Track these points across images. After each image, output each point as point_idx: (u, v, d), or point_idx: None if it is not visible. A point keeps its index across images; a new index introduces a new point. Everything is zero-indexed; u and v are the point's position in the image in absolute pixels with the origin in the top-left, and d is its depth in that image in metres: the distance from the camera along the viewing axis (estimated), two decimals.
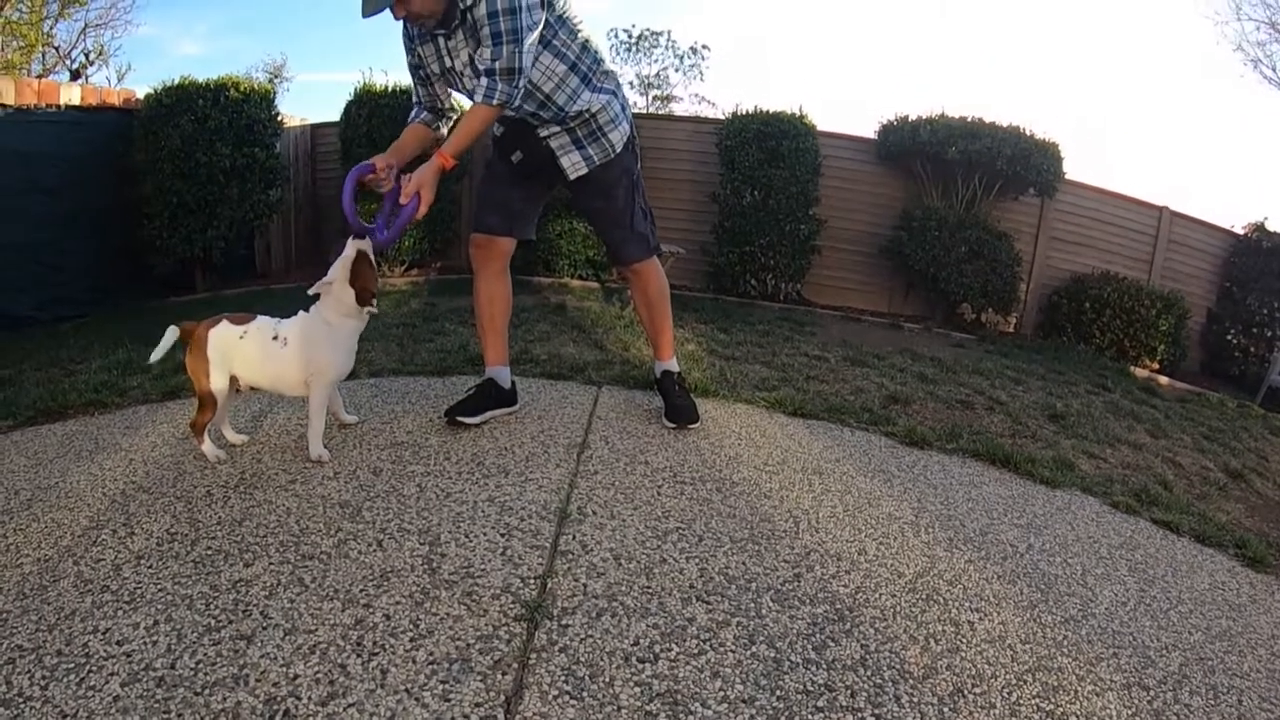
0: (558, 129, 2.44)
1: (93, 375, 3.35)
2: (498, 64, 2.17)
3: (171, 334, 2.16)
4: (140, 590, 1.59)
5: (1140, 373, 6.19)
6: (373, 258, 2.25)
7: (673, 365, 2.79)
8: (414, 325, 4.40)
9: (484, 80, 2.19)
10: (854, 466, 2.56)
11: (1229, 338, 7.42)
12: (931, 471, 2.63)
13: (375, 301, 2.24)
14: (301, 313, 2.26)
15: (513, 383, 2.70)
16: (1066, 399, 4.37)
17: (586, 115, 2.43)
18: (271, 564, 1.66)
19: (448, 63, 2.32)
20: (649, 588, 1.64)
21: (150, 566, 1.68)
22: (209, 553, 1.72)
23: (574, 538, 1.83)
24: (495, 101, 2.21)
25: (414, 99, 2.51)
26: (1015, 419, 3.64)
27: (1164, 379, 6.24)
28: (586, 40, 2.40)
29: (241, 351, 2.18)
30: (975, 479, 2.64)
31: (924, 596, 1.77)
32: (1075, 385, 4.91)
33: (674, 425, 2.68)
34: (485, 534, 1.81)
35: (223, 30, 34.34)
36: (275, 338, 2.20)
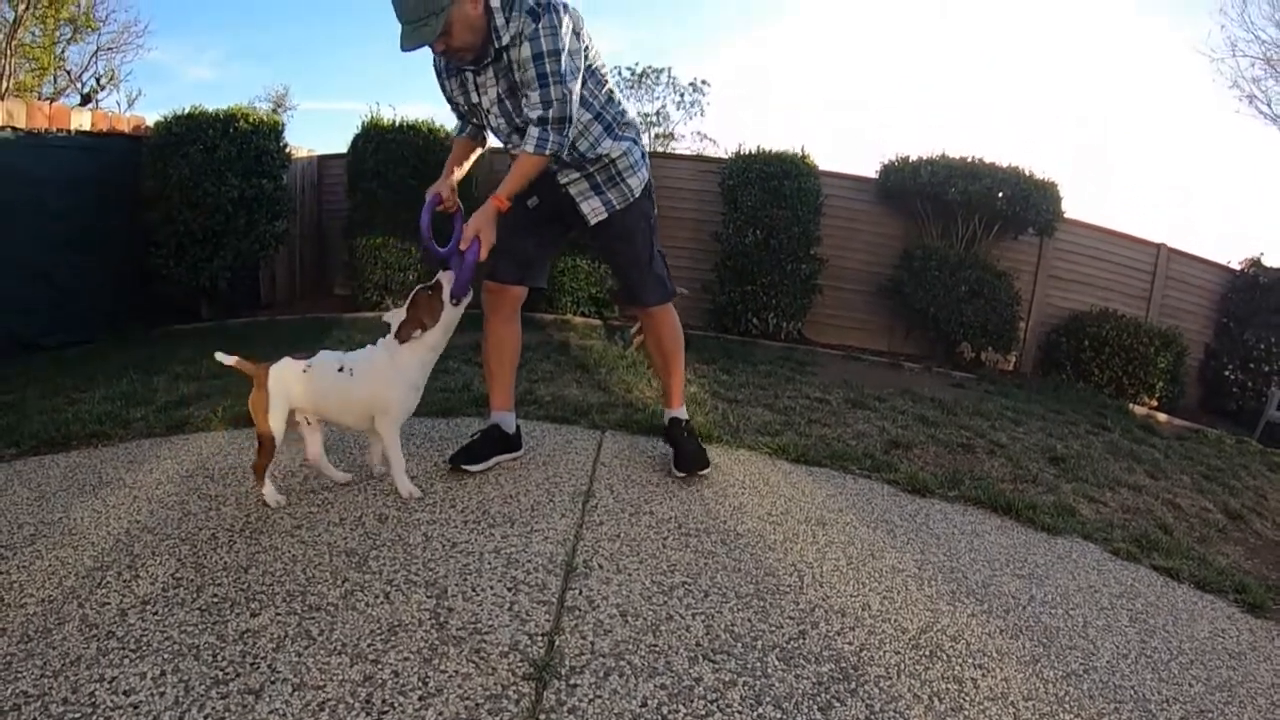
0: (576, 175, 2.46)
1: (96, 405, 3.36)
2: (550, 112, 2.19)
3: (229, 359, 2.23)
4: (146, 638, 1.58)
5: (1139, 410, 6.21)
6: (446, 293, 2.26)
7: (682, 412, 2.78)
8: None
9: (535, 130, 2.21)
10: (857, 516, 2.56)
11: (1226, 373, 7.47)
12: (934, 521, 2.64)
13: (418, 333, 2.23)
14: (370, 346, 2.31)
15: (517, 427, 2.71)
16: (1066, 440, 4.38)
17: (606, 161, 2.45)
18: (279, 614, 1.67)
19: (474, 98, 2.35)
20: (656, 646, 1.64)
21: (156, 613, 1.68)
22: (215, 600, 1.72)
23: (580, 593, 1.83)
24: (547, 151, 2.24)
25: (456, 118, 2.56)
26: (1016, 463, 3.65)
27: (1162, 416, 6.27)
28: (611, 91, 2.45)
29: (307, 386, 2.19)
30: (977, 527, 2.65)
31: (928, 653, 1.77)
32: (1075, 425, 4.92)
33: (684, 474, 2.66)
34: (492, 587, 1.81)
35: (233, 56, 34.83)
36: (341, 369, 2.23)
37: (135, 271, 6.40)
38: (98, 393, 3.65)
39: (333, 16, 39.47)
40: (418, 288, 2.28)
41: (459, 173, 2.46)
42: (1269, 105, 12.84)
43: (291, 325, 6.12)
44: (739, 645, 1.69)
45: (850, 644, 1.76)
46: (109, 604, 1.72)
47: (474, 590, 1.79)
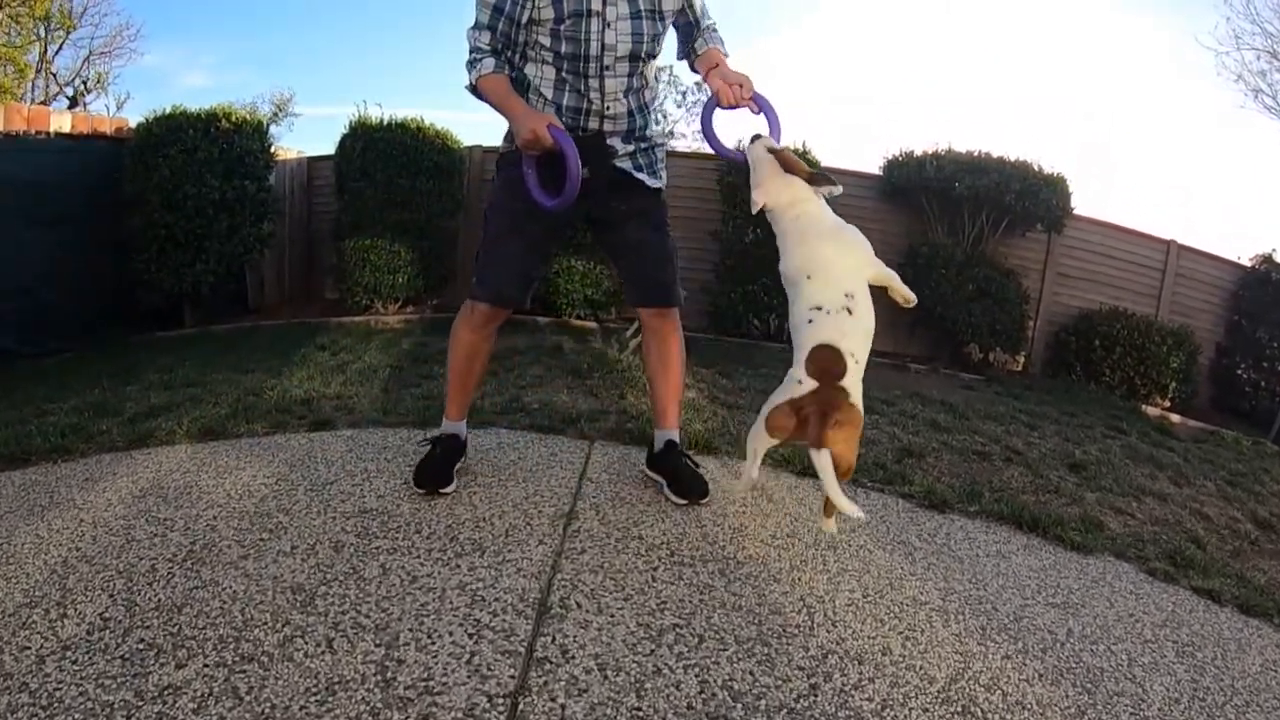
0: (630, 149, 2.27)
1: (63, 417, 3.18)
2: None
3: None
4: (60, 693, 1.38)
5: (1152, 411, 6.00)
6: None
7: (677, 433, 2.53)
8: (401, 368, 4.21)
9: (718, 34, 2.25)
10: (871, 537, 2.32)
11: (1239, 372, 7.24)
12: (955, 541, 2.40)
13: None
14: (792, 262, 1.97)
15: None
16: (1084, 445, 4.17)
17: (652, 143, 2.32)
18: (206, 665, 1.44)
19: (595, 5, 2.06)
20: (640, 710, 1.39)
21: (75, 662, 1.47)
22: (140, 647, 1.51)
23: (553, 639, 1.58)
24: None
25: (484, 45, 2.15)
26: (1035, 471, 3.43)
27: (1176, 417, 6.04)
28: None
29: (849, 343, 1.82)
30: (1002, 547, 2.41)
31: (959, 709, 1.53)
32: (1090, 428, 4.71)
33: (686, 501, 2.39)
34: (451, 633, 1.57)
35: (231, 62, 34.57)
36: (850, 302, 1.85)
37: (117, 277, 6.21)
38: (68, 404, 3.49)
39: (328, 22, 39.29)
40: (768, 154, 2.00)
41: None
42: (1275, 99, 12.55)
43: (276, 330, 5.92)
44: (739, 706, 1.44)
45: (870, 700, 1.51)
46: (30, 648, 1.52)
47: (430, 637, 1.55)
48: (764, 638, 1.67)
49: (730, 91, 2.06)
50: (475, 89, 2.18)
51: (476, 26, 2.16)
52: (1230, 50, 16.00)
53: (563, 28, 2.08)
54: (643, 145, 2.29)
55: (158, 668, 1.44)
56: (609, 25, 2.08)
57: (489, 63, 2.15)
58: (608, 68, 2.12)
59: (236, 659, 1.46)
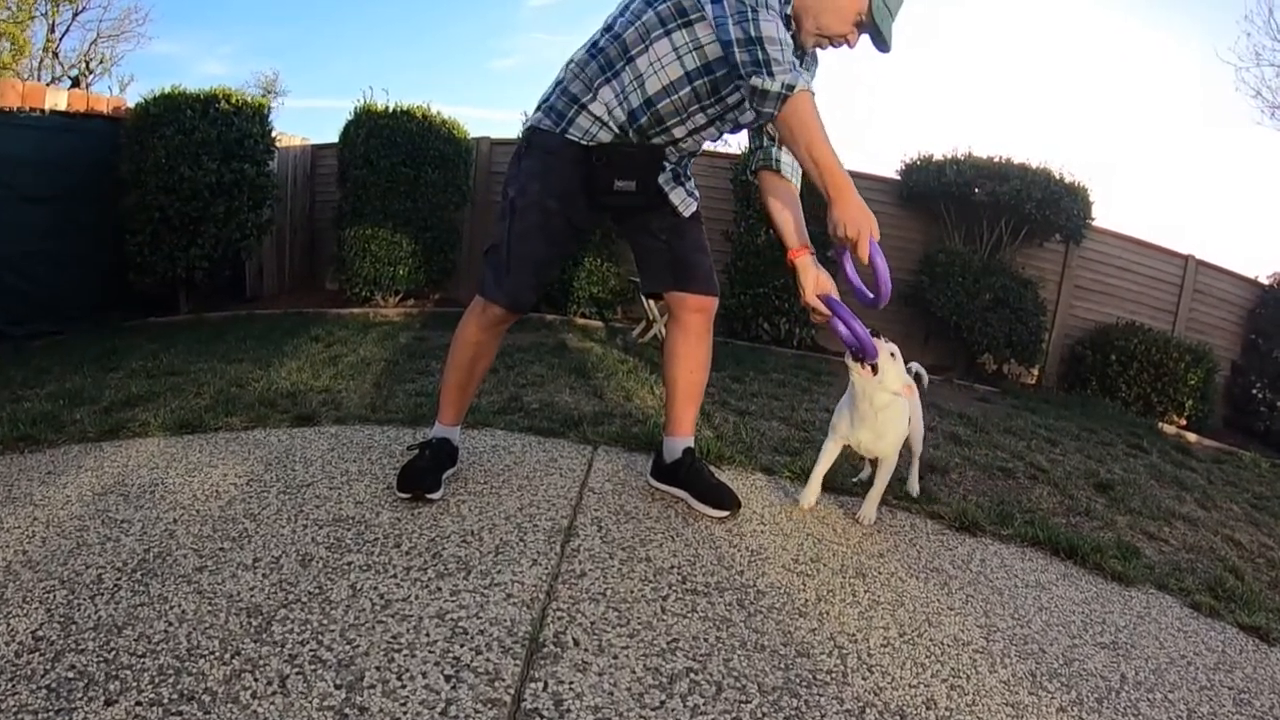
0: (671, 165, 2.12)
1: (37, 404, 3.00)
2: None
3: None
4: None
5: (1168, 429, 5.82)
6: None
7: (693, 440, 2.32)
8: (397, 362, 4.02)
9: None
10: (902, 564, 2.09)
11: (1254, 391, 7.06)
12: (991, 569, 2.18)
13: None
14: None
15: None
16: (1108, 463, 3.98)
17: (689, 157, 2.20)
18: (139, 703, 1.23)
19: None
20: None
21: None
22: (69, 676, 1.30)
23: (545, 686, 1.34)
24: None
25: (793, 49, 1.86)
26: (1062, 490, 3.23)
27: (1192, 436, 5.86)
28: None
29: None
30: (1040, 577, 2.20)
31: None
32: (1111, 446, 4.52)
33: (726, 514, 2.18)
34: (424, 674, 1.34)
35: (246, 53, 34.68)
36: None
37: (112, 260, 6.03)
38: (45, 389, 3.32)
39: (346, 15, 39.31)
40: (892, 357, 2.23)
41: None
42: None
43: (271, 320, 5.74)
44: None
45: None
46: None
47: (399, 678, 1.32)
48: (792, 686, 1.44)
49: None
50: (785, 98, 1.77)
51: (786, 19, 1.86)
52: (1250, 66, 15.81)
53: None
54: (674, 161, 2.14)
55: (84, 703, 1.24)
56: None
57: (807, 76, 1.80)
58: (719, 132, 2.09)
59: (174, 696, 1.24)
